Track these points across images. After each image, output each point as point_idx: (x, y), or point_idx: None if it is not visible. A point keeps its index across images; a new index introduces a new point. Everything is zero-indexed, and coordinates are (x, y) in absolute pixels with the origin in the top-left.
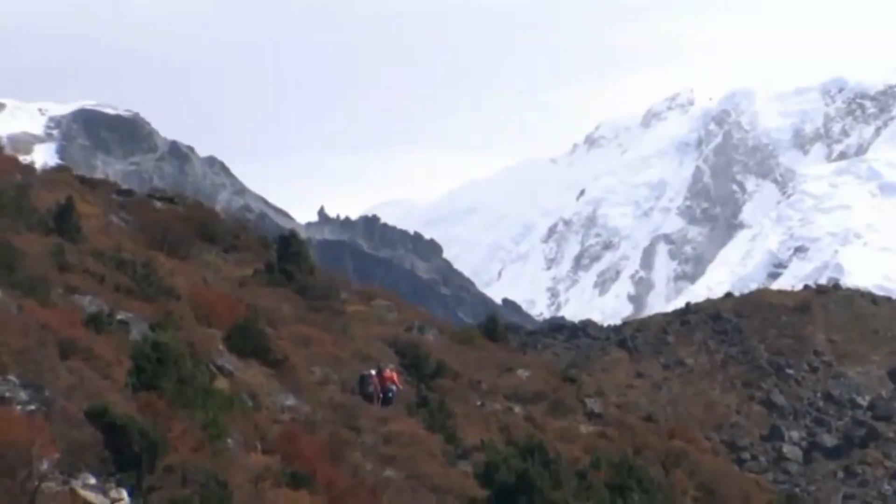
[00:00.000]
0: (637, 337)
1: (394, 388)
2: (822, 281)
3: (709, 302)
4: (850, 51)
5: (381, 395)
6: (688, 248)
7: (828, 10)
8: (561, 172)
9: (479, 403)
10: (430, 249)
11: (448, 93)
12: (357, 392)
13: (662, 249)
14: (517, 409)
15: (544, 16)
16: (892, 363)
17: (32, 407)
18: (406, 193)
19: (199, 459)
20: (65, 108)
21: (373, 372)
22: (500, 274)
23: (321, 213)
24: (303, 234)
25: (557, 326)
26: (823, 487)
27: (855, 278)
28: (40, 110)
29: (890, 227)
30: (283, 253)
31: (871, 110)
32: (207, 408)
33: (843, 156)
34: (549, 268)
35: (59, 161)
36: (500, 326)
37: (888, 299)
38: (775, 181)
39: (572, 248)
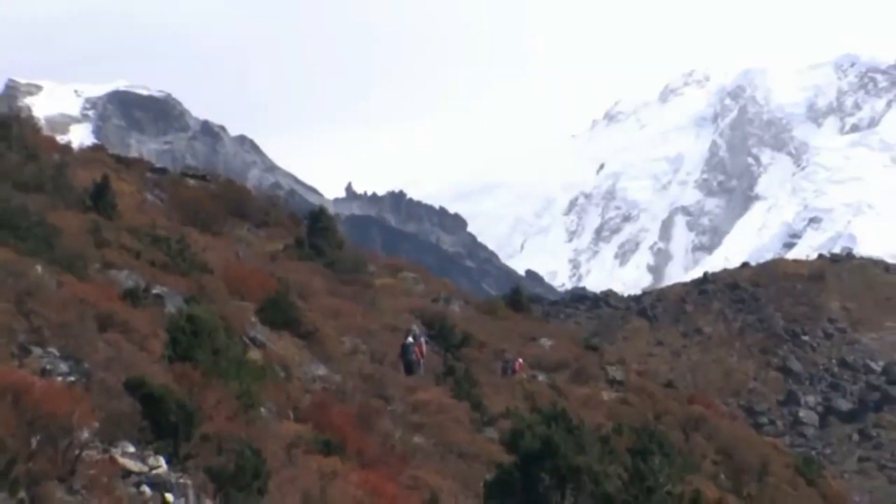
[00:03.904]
0: (657, 306)
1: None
2: (836, 250)
3: (726, 272)
4: (862, 27)
5: (413, 365)
6: (705, 220)
7: None
8: (581, 148)
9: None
10: (454, 223)
11: (472, 71)
12: (400, 360)
13: (680, 221)
14: (541, 377)
15: None
16: None
17: (72, 378)
18: (431, 169)
19: (234, 428)
20: (100, 90)
21: (411, 340)
22: (522, 246)
23: (349, 189)
24: (331, 210)
25: (579, 297)
26: (839, 450)
27: (868, 247)
28: (76, 92)
29: None
30: (312, 228)
31: (883, 84)
32: (241, 378)
33: (855, 128)
34: (570, 240)
35: (94, 140)
36: (524, 297)
37: None
38: (790, 154)
39: (593, 221)
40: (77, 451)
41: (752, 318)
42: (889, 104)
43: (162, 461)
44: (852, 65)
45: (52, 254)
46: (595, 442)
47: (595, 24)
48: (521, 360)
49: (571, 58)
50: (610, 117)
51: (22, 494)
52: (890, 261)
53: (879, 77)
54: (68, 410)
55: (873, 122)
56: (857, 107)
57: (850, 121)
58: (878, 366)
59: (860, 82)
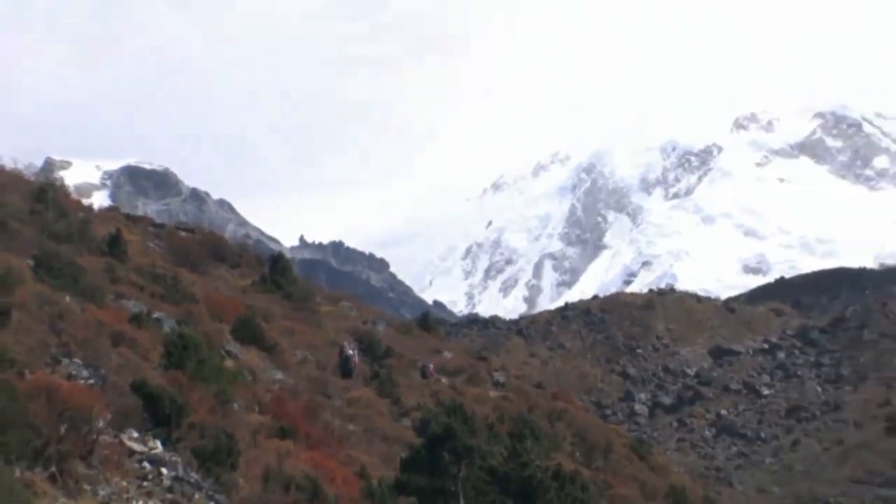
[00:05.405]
0: (530, 328)
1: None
2: (662, 286)
3: (581, 302)
4: (680, 120)
5: (350, 371)
6: (566, 263)
7: (661, 90)
8: (474, 208)
9: (419, 368)
10: (381, 265)
11: (396, 147)
12: (339, 369)
13: (548, 264)
14: (444, 380)
15: (465, 95)
16: (710, 344)
17: (92, 381)
18: (363, 224)
19: (213, 419)
20: (115, 164)
21: (351, 352)
22: (431, 282)
23: (301, 239)
24: (288, 255)
25: (473, 320)
26: (663, 434)
27: (685, 284)
28: (97, 167)
29: (709, 248)
30: (273, 268)
31: (695, 163)
32: (219, 381)
33: (676, 196)
34: (466, 278)
35: (110, 203)
36: (432, 320)
37: (708, 298)
38: (628, 214)
39: (483, 264)
40: (95, 436)
41: (601, 336)
42: (700, 178)
43: (158, 443)
44: (674, 149)
45: (77, 287)
46: (483, 428)
47: (485, 116)
48: (432, 366)
49: (466, 140)
50: (496, 186)
51: (53, 469)
52: (701, 293)
53: (693, 158)
54: (88, 405)
55: (689, 192)
56: (677, 180)
57: (672, 190)
58: (691, 371)
59: (679, 162)
